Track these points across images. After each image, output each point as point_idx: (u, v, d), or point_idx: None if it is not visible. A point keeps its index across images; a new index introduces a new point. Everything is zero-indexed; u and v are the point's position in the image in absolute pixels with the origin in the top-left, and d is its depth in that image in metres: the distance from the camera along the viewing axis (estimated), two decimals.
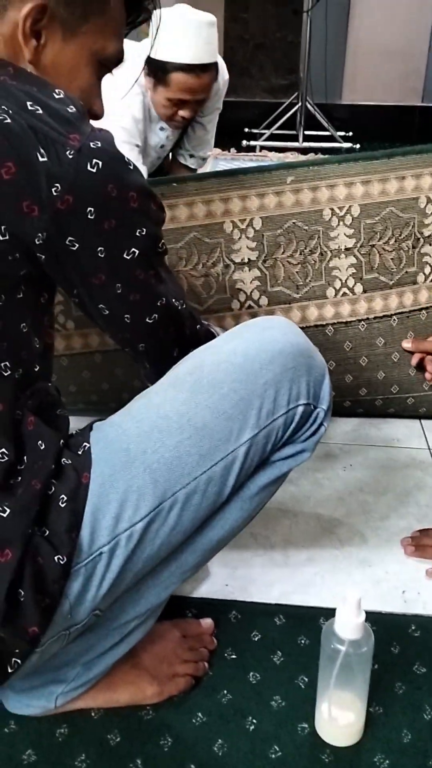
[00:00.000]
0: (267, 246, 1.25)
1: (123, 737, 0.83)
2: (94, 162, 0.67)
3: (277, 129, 3.39)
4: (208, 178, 1.22)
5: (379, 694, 0.88)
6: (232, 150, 3.36)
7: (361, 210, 1.26)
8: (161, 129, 1.93)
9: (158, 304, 0.79)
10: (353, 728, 0.83)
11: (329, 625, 0.79)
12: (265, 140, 3.39)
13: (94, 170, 0.67)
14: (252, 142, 3.39)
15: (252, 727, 0.84)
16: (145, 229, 0.73)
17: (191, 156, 2.12)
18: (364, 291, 1.30)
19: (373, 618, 0.97)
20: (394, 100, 3.66)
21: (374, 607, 1.00)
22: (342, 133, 3.41)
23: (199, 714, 0.85)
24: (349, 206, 1.26)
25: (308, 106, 3.38)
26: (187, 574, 0.83)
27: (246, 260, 1.25)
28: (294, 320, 1.28)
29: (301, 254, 1.26)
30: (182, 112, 1.80)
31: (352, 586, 1.00)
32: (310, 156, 3.30)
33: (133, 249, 0.73)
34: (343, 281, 1.29)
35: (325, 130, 3.38)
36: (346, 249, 1.27)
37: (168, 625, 0.91)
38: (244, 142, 3.38)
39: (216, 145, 3.28)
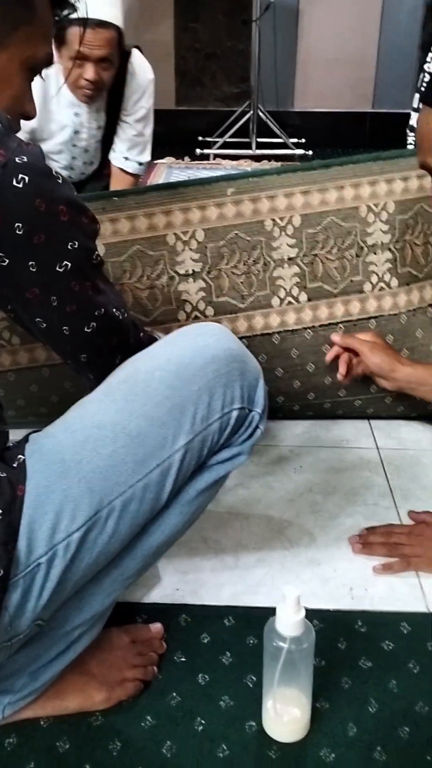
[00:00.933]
0: (210, 257, 1.26)
1: (72, 744, 0.83)
2: (20, 177, 0.68)
3: (231, 137, 3.43)
4: (149, 191, 1.23)
5: (325, 689, 0.89)
6: (186, 159, 3.40)
7: (302, 220, 1.29)
8: (73, 112, 1.91)
9: (96, 314, 0.80)
10: (299, 724, 0.85)
11: (270, 624, 0.80)
12: (219, 148, 3.43)
13: (20, 185, 0.68)
14: (206, 151, 3.42)
15: (200, 728, 0.86)
16: (76, 242, 0.74)
17: (126, 159, 2.09)
18: (309, 299, 1.32)
19: (321, 615, 0.99)
20: (344, 106, 3.72)
21: (322, 605, 1.02)
22: (294, 140, 3.46)
23: (148, 717, 0.86)
24: (290, 216, 1.28)
25: (260, 113, 3.42)
26: (129, 581, 0.84)
27: (190, 271, 1.27)
28: (240, 329, 1.30)
29: (244, 264, 1.28)
30: (86, 75, 1.80)
31: (300, 585, 1.02)
32: (264, 163, 3.35)
33: (66, 262, 0.74)
34: (288, 290, 1.31)
35: (278, 137, 3.42)
36: (289, 258, 1.30)
37: (117, 631, 0.92)
38: (198, 151, 3.42)
39: (170, 154, 3.34)
